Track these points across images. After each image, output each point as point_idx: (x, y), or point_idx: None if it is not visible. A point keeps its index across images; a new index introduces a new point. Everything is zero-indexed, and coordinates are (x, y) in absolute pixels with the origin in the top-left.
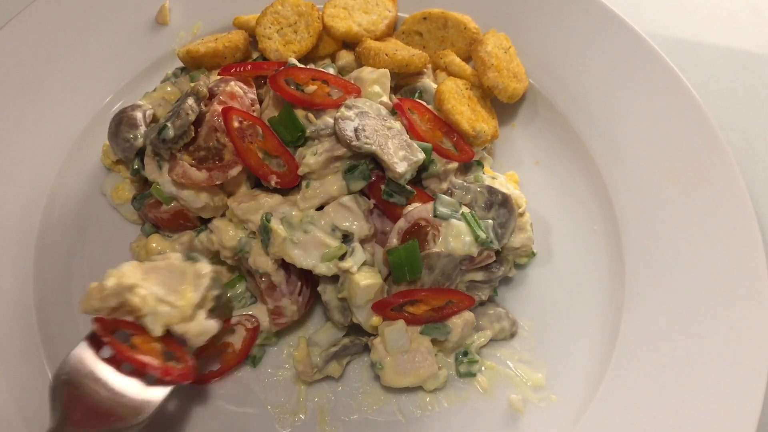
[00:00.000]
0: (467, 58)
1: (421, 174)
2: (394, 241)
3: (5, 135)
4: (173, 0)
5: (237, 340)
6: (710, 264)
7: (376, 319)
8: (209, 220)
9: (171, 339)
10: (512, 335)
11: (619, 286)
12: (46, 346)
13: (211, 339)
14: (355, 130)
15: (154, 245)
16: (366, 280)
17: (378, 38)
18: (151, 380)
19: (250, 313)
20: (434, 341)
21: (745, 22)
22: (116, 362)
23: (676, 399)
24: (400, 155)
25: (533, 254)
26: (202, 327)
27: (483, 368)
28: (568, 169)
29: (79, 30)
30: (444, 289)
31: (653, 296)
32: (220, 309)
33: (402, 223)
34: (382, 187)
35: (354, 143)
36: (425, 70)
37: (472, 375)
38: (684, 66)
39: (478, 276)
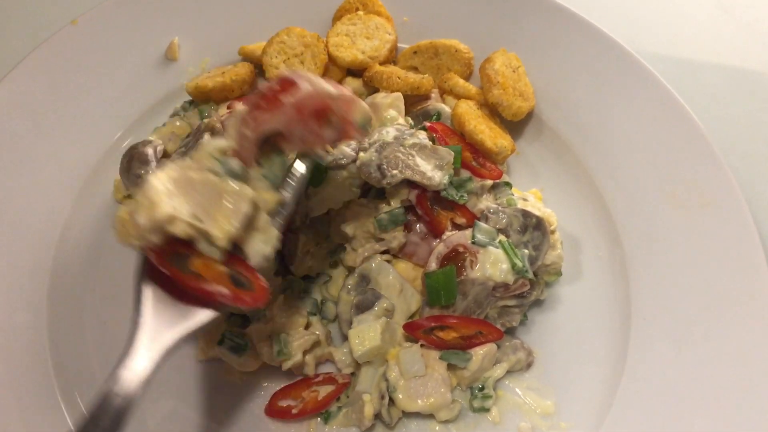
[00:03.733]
0: (467, 79)
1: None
2: (432, 265)
3: (18, 172)
4: (182, 36)
5: (324, 390)
6: (716, 288)
7: (393, 351)
8: None
9: (234, 257)
10: (528, 366)
11: (625, 312)
12: (60, 380)
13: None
14: (379, 167)
15: None
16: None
17: (381, 63)
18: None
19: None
20: (453, 371)
21: (746, 46)
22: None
23: (686, 424)
24: (432, 165)
25: (560, 273)
26: (264, 239)
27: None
28: (571, 196)
29: (91, 67)
30: (477, 319)
31: (660, 321)
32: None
33: (441, 248)
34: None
35: (384, 182)
36: (432, 94)
37: (486, 410)
38: (686, 91)
39: (511, 301)
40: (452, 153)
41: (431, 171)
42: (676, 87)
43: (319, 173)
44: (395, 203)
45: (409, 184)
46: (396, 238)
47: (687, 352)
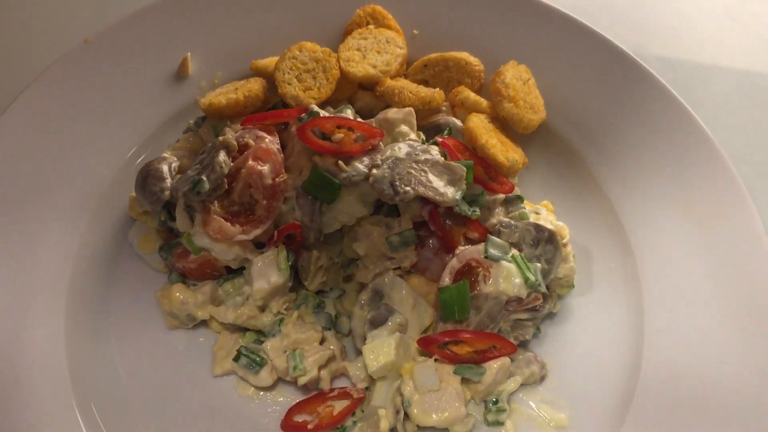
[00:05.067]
0: (478, 91)
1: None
2: (446, 280)
3: (34, 189)
4: (194, 51)
5: (339, 405)
6: (728, 299)
7: (407, 366)
8: (235, 270)
9: None
10: (542, 379)
11: (638, 324)
12: (78, 397)
13: None
14: (392, 184)
15: (177, 294)
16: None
17: (392, 77)
18: None
19: (366, 387)
20: (467, 385)
21: (755, 54)
22: None
23: None
24: (444, 181)
25: (572, 286)
26: None
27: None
28: (583, 207)
29: (104, 84)
30: (490, 333)
31: (673, 333)
32: None
33: (454, 263)
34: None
35: (396, 199)
36: (443, 107)
37: (500, 424)
38: (696, 99)
39: (524, 315)
40: (464, 168)
41: (444, 187)
42: (686, 96)
43: (332, 190)
44: (407, 222)
45: (422, 199)
46: (407, 257)
47: (701, 364)
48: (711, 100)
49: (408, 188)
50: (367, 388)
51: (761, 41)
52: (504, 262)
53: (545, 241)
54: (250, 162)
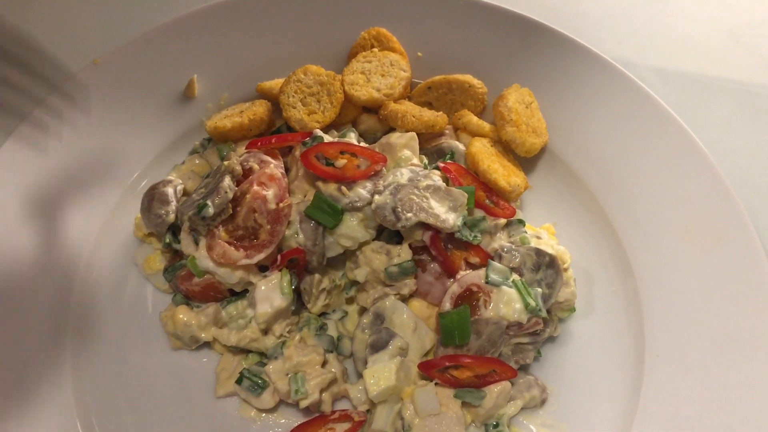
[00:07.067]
0: (481, 113)
1: (473, 230)
2: (447, 305)
3: (40, 210)
4: (200, 73)
5: (340, 427)
6: (729, 324)
7: (407, 390)
8: (238, 292)
9: None
10: (543, 402)
11: (638, 347)
12: (81, 415)
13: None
14: (394, 210)
15: (180, 316)
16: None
17: (396, 99)
18: None
19: (367, 410)
20: (468, 408)
21: (759, 77)
22: None
23: None
24: (446, 207)
25: (573, 309)
26: None
27: None
28: (585, 231)
29: (113, 105)
30: (491, 358)
31: (673, 357)
32: None
33: (455, 288)
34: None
35: (398, 225)
36: (446, 130)
37: None
38: (698, 123)
39: (524, 339)
40: (465, 195)
41: (445, 213)
42: (688, 118)
43: (335, 215)
44: (406, 252)
45: (423, 225)
46: (407, 285)
47: (701, 388)
48: (712, 122)
49: (410, 214)
50: (368, 411)
51: (764, 63)
52: (505, 288)
53: (546, 266)
54: (255, 187)
